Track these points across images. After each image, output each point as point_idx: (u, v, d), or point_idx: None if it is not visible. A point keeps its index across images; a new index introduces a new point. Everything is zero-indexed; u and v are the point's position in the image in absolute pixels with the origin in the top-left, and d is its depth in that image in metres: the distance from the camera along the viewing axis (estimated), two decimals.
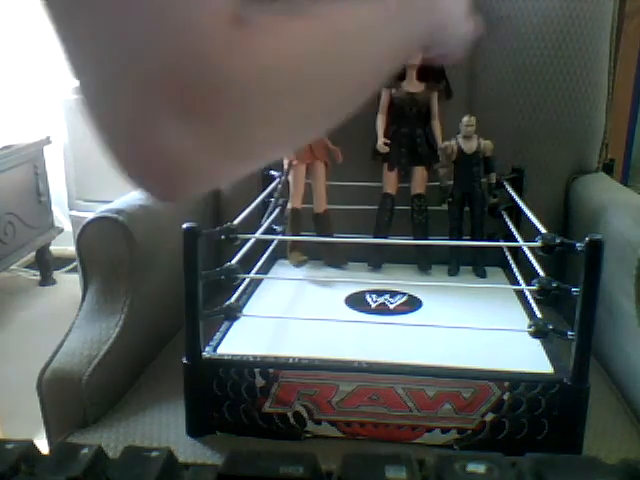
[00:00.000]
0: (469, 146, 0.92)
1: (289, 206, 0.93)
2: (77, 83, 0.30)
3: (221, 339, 0.71)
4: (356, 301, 0.82)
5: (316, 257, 0.96)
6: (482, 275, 0.94)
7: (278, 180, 0.95)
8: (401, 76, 0.97)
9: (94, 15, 0.29)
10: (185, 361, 0.66)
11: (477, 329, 0.70)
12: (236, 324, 0.73)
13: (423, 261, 0.95)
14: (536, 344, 0.69)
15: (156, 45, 0.29)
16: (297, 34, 0.36)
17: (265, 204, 0.94)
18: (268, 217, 0.91)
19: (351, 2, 0.47)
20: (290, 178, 0.92)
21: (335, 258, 0.96)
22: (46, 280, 2.24)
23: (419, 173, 0.96)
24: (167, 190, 0.34)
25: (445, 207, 0.95)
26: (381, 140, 0.94)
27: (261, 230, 0.82)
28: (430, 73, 0.98)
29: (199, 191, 0.36)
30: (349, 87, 0.42)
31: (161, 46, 0.29)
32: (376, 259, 0.96)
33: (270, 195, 0.95)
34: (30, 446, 0.33)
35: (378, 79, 0.46)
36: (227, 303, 0.72)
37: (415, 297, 0.83)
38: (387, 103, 0.96)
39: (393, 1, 0.49)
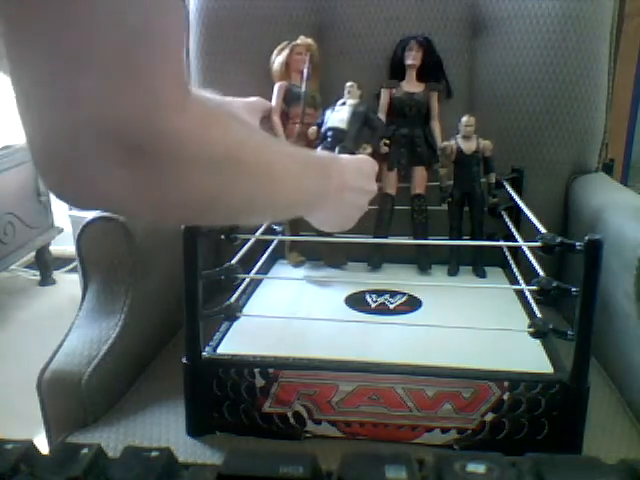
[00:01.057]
0: (468, 146, 0.91)
1: None
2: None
3: (221, 339, 0.71)
4: (356, 301, 0.82)
5: (316, 257, 0.96)
6: (482, 275, 0.94)
7: None
8: (401, 76, 0.97)
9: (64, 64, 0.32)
10: (185, 361, 0.66)
11: (477, 329, 0.70)
12: (236, 324, 0.73)
13: (423, 261, 0.95)
14: (536, 344, 0.69)
15: (115, 102, 0.33)
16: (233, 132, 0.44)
17: None
18: None
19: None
20: None
21: (335, 258, 0.96)
22: (46, 280, 2.23)
23: (419, 173, 0.96)
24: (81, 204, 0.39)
25: (445, 207, 0.95)
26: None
27: (261, 230, 0.82)
28: (430, 73, 0.98)
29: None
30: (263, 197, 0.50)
31: (120, 103, 0.33)
32: (376, 259, 0.96)
33: None
34: (30, 446, 0.33)
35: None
36: (227, 303, 0.72)
37: (415, 297, 0.83)
38: (387, 103, 0.96)
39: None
